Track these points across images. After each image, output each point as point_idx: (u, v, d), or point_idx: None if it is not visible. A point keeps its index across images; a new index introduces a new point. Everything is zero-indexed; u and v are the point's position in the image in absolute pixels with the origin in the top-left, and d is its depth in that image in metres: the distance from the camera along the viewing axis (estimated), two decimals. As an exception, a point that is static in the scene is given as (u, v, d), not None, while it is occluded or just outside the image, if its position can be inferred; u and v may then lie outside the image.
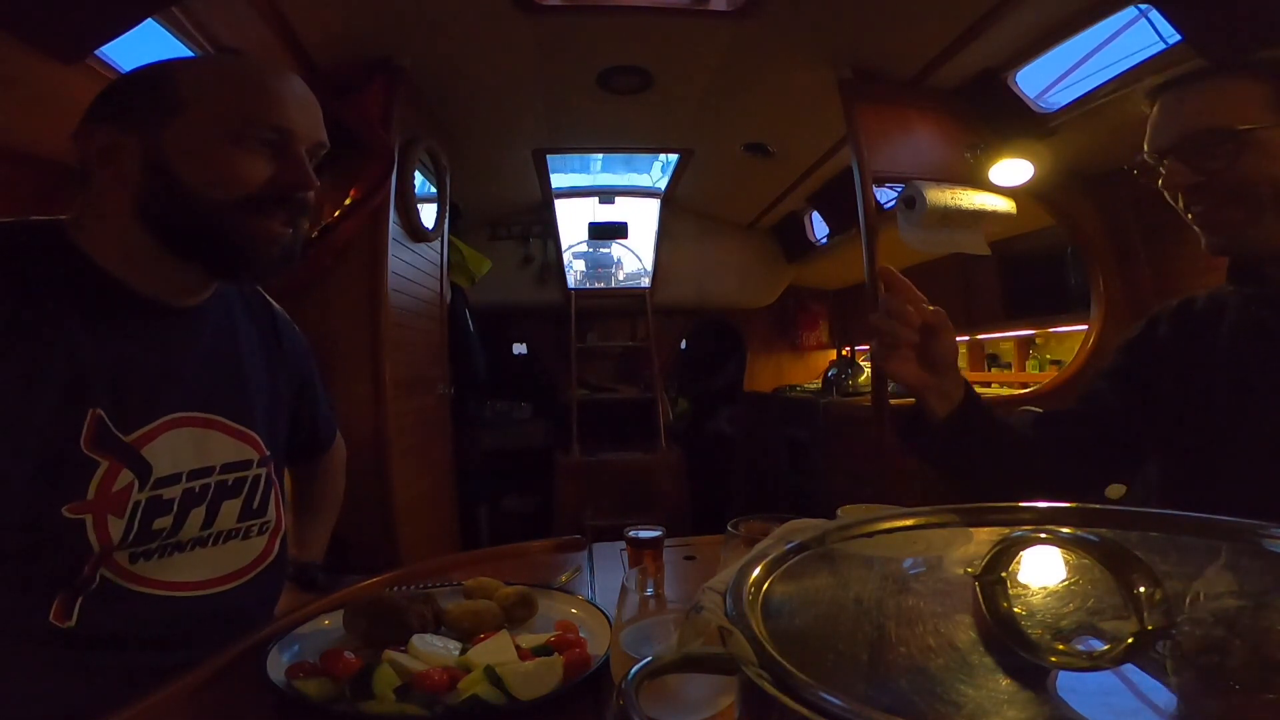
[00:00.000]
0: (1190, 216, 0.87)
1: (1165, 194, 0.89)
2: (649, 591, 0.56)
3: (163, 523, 0.75)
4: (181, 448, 0.77)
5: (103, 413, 0.69)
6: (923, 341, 0.87)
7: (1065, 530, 0.35)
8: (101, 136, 0.71)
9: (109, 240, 0.73)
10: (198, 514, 0.78)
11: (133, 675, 0.69)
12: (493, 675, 0.61)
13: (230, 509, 0.82)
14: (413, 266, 2.68)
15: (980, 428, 0.90)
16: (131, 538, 0.72)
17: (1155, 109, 0.89)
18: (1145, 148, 0.90)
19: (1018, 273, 3.31)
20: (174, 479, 0.76)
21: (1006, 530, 0.37)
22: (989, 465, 0.90)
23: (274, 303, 0.98)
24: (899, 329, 0.85)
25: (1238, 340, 0.89)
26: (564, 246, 4.54)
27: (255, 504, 0.85)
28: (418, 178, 2.69)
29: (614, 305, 4.78)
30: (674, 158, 3.87)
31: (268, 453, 0.87)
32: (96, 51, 1.63)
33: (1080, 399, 1.03)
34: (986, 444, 0.90)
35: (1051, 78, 2.39)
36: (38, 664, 0.67)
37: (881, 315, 0.86)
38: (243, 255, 0.74)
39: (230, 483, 0.82)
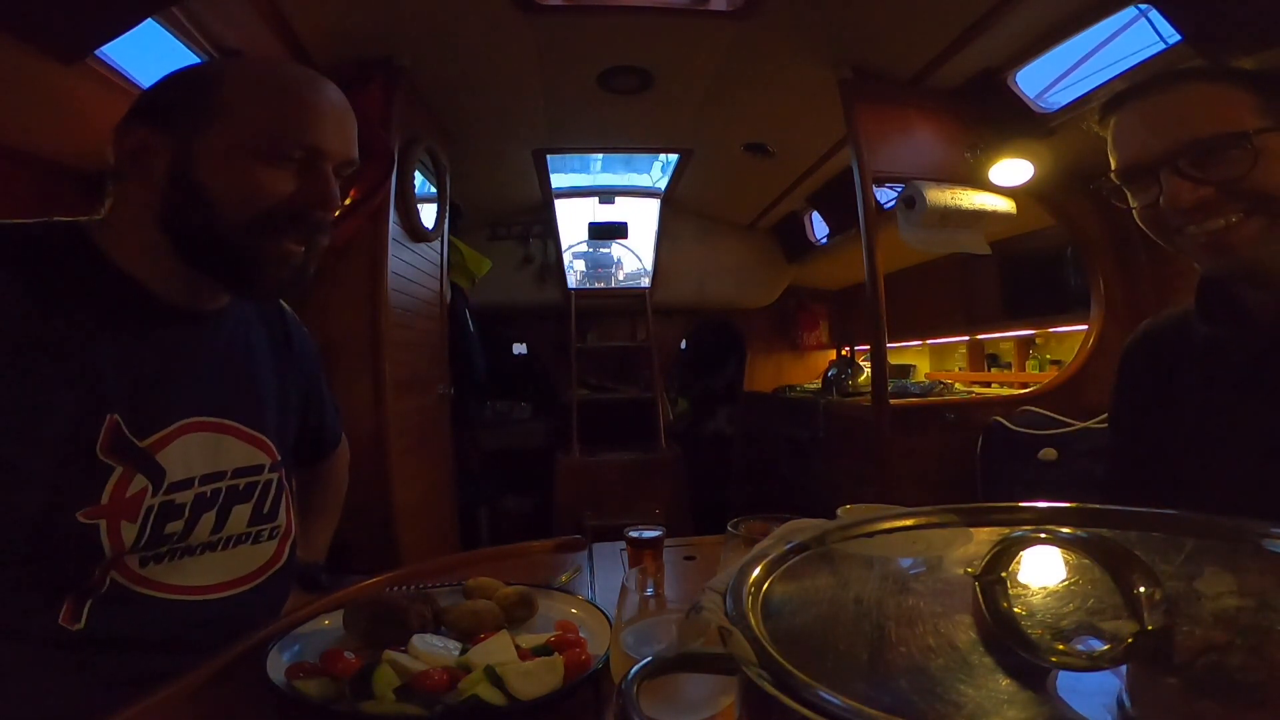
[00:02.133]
0: (1182, 238, 0.77)
1: (1140, 217, 0.81)
2: (649, 591, 0.56)
3: (174, 527, 0.75)
4: (195, 452, 0.77)
5: (119, 418, 0.69)
6: None
7: (1065, 530, 0.35)
8: (135, 136, 0.70)
9: (132, 243, 0.72)
10: (208, 518, 0.78)
11: (139, 678, 0.69)
12: (493, 675, 0.61)
13: (241, 513, 0.82)
14: (413, 266, 2.68)
15: None
16: (143, 542, 0.72)
17: (1121, 122, 0.80)
18: (1115, 166, 0.80)
19: (1018, 273, 3.31)
20: (186, 483, 0.76)
21: (1006, 530, 0.37)
22: None
23: (287, 307, 0.98)
24: None
25: (1205, 382, 0.85)
26: (564, 246, 4.54)
27: (266, 509, 0.85)
28: (418, 178, 2.69)
29: (614, 305, 4.77)
30: (674, 158, 3.87)
31: (279, 457, 0.87)
32: (96, 51, 1.64)
33: (1114, 455, 1.02)
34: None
35: (1051, 78, 2.40)
36: (45, 666, 0.67)
37: None
38: (252, 273, 0.73)
39: (242, 487, 0.82)
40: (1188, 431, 0.87)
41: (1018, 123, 2.43)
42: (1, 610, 0.66)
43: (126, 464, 0.70)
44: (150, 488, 0.72)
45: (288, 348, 0.94)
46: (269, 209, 0.70)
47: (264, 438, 0.85)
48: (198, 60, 1.98)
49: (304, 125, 0.71)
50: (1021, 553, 0.36)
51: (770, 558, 0.43)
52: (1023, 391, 2.89)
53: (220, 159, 0.69)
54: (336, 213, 0.75)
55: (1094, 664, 0.31)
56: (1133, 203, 0.81)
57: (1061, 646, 0.32)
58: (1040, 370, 3.21)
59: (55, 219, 0.72)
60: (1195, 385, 0.87)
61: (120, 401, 0.69)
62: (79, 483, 0.67)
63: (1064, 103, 2.34)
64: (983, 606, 0.35)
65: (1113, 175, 0.81)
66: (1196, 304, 0.87)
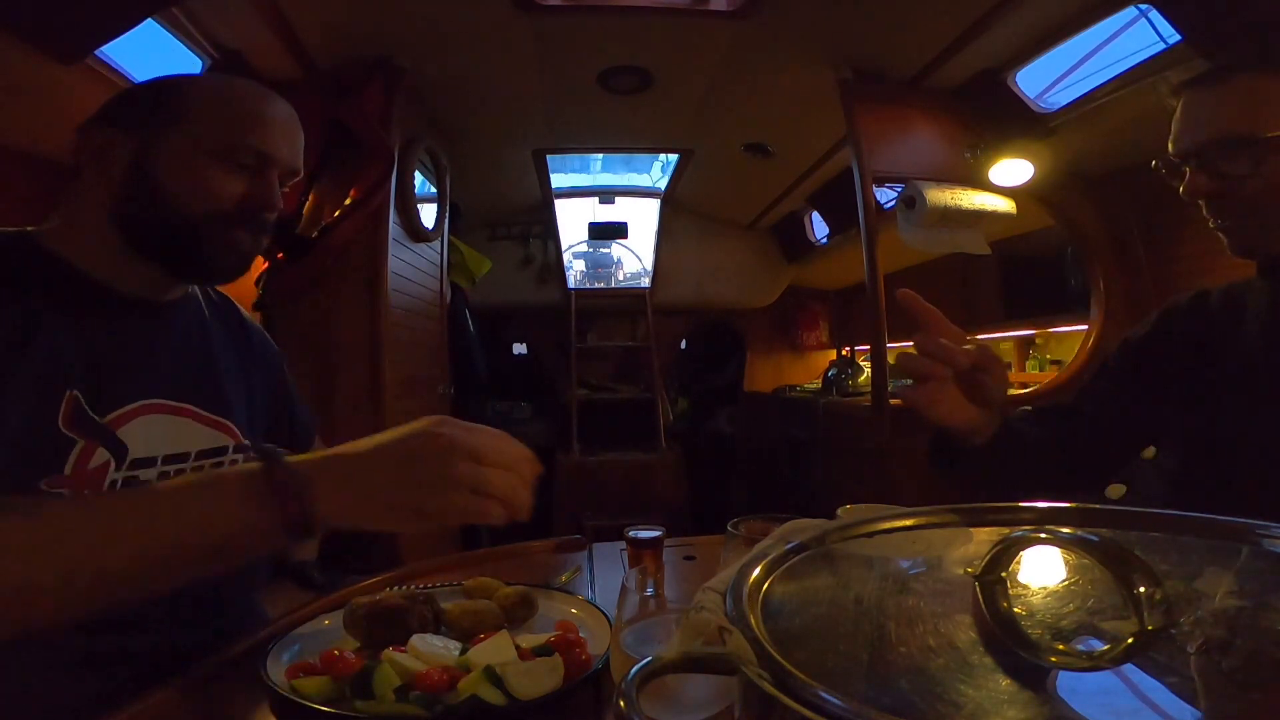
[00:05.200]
0: (1212, 222, 0.84)
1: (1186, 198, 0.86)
2: (649, 591, 0.56)
3: None
4: (156, 433, 0.79)
5: (79, 395, 0.72)
6: (971, 379, 0.80)
7: (1065, 530, 0.35)
8: (99, 135, 0.76)
9: (86, 239, 0.76)
10: None
11: (109, 657, 0.71)
12: (493, 675, 0.61)
13: None
14: (413, 266, 2.68)
15: (1013, 448, 0.86)
16: None
17: (1179, 107, 0.85)
18: (1170, 148, 0.86)
19: (1018, 273, 3.31)
20: (150, 461, 0.77)
21: (1006, 530, 0.37)
22: (1012, 478, 0.87)
23: (243, 310, 1.01)
24: (931, 366, 0.78)
25: (1261, 339, 0.86)
26: (564, 246, 4.54)
27: None
28: (418, 178, 2.69)
29: (614, 305, 4.78)
30: (674, 158, 3.87)
31: (244, 440, 0.89)
32: (96, 51, 1.64)
33: (1082, 396, 0.99)
34: (1016, 461, 0.86)
35: (1051, 78, 2.39)
36: (12, 644, 0.68)
37: (915, 356, 0.79)
38: (204, 261, 0.80)
39: (206, 470, 0.83)
40: (1221, 384, 0.87)
41: (1018, 123, 2.43)
42: None
43: (88, 438, 0.72)
44: (113, 462, 0.74)
45: (247, 345, 0.97)
46: (219, 207, 0.77)
47: (226, 421, 0.87)
48: (199, 63, 1.99)
49: (256, 134, 0.78)
50: (1021, 553, 0.36)
51: (770, 558, 0.43)
52: (1023, 391, 2.89)
53: (179, 160, 0.76)
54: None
55: (1094, 664, 0.31)
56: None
57: (1061, 646, 0.32)
58: (1040, 370, 3.21)
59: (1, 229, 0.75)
60: (1243, 343, 0.87)
61: (79, 381, 0.72)
62: (42, 453, 0.69)
63: (1064, 103, 2.34)
64: (983, 606, 0.35)
65: (1170, 154, 0.86)
66: (1258, 264, 0.89)
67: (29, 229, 0.76)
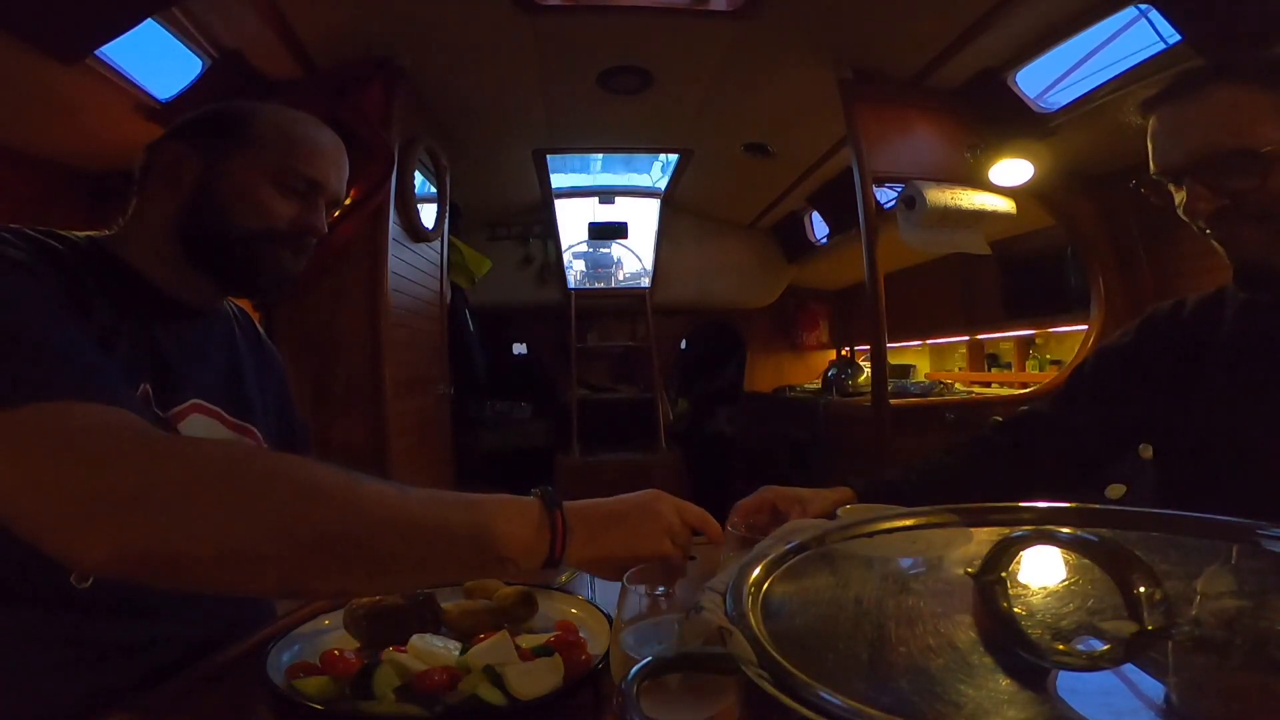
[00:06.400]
0: (1209, 232, 0.82)
1: (1180, 212, 0.84)
2: (659, 591, 0.56)
3: None
4: (199, 431, 0.82)
5: (150, 389, 0.76)
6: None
7: (1065, 530, 0.35)
8: (173, 151, 0.82)
9: (149, 249, 0.82)
10: None
11: (131, 648, 0.72)
12: (493, 675, 0.61)
13: None
14: (413, 266, 2.68)
15: (897, 495, 0.92)
16: None
17: (1155, 124, 0.83)
18: (1153, 167, 0.84)
19: (1018, 273, 3.31)
20: None
21: (1006, 530, 0.37)
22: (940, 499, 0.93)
23: (256, 323, 1.05)
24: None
25: (1239, 344, 0.86)
26: (564, 246, 4.54)
27: None
28: (418, 178, 2.69)
29: (614, 305, 4.78)
30: (674, 158, 3.87)
31: (266, 445, 0.92)
32: (96, 51, 1.64)
33: (1058, 406, 1.02)
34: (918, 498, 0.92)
35: (1051, 78, 2.40)
36: (48, 630, 0.69)
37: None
38: (252, 275, 0.85)
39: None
40: (1199, 390, 0.88)
41: (1018, 123, 2.43)
42: (18, 565, 0.66)
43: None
44: None
45: (263, 357, 1.02)
46: (272, 226, 0.83)
47: (250, 426, 0.91)
48: (199, 63, 1.99)
49: (310, 163, 0.85)
50: (1021, 553, 0.36)
51: (770, 558, 0.43)
52: (1023, 391, 2.89)
53: (241, 180, 0.82)
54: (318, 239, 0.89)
55: (1094, 664, 0.31)
56: (1176, 199, 0.85)
57: (1061, 646, 0.32)
58: (1040, 370, 3.21)
59: (75, 234, 0.78)
60: (1220, 350, 0.87)
61: (148, 376, 0.76)
62: None
63: (1064, 103, 2.34)
64: (983, 606, 0.35)
65: (1153, 174, 0.85)
66: (1235, 273, 0.88)
67: (93, 234, 0.81)
